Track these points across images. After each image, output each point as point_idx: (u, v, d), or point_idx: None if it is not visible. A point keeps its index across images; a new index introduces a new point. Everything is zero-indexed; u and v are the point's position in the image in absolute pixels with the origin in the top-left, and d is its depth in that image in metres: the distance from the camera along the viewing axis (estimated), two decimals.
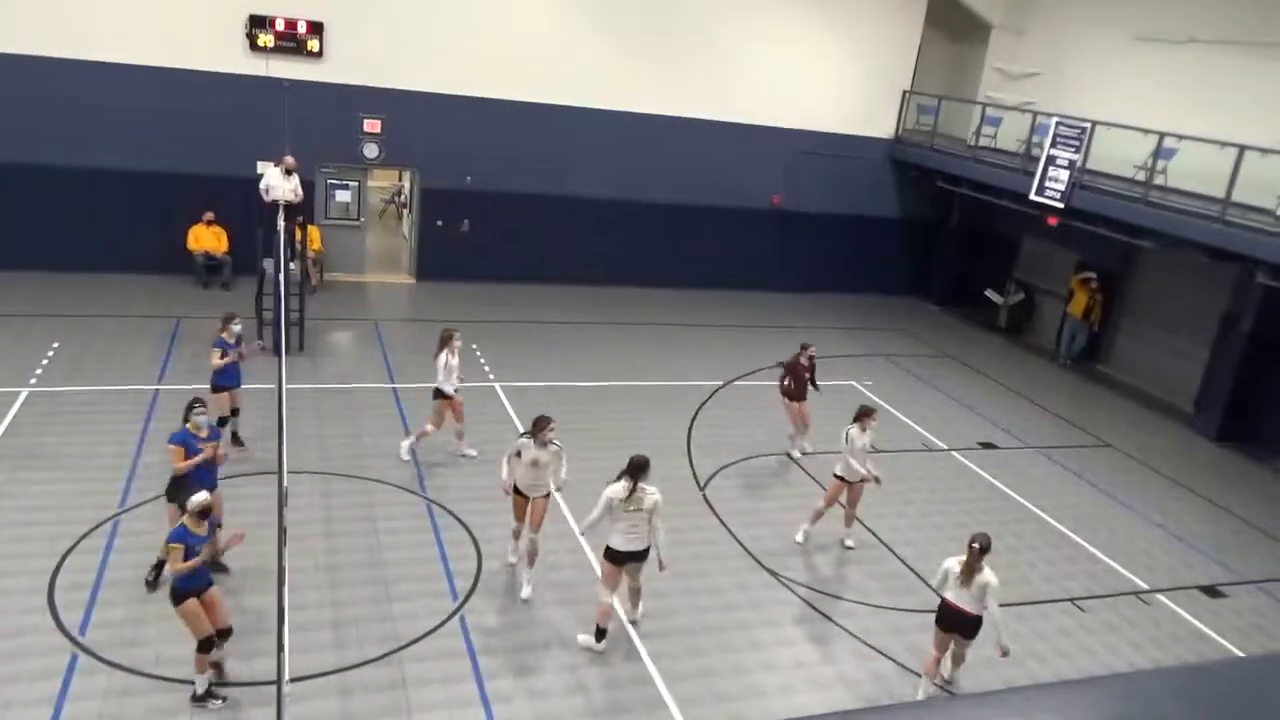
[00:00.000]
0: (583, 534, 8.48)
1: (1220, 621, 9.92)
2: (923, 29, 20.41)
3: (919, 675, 8.18)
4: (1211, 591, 10.54)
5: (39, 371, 12.20)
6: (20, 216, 15.65)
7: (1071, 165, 15.69)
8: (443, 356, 10.68)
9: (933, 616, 8.01)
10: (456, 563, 9.12)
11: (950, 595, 7.66)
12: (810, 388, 12.36)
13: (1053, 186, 16.03)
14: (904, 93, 20.48)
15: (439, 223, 18.10)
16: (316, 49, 16.31)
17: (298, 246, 14.41)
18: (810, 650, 8.60)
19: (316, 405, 12.20)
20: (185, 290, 16.01)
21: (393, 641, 7.89)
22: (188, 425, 8.07)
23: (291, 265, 13.62)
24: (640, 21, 18.12)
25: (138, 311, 14.80)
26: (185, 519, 6.88)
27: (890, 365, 16.88)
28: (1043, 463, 13.50)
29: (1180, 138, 14.66)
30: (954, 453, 13.42)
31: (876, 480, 10.16)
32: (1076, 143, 15.67)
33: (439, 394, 10.82)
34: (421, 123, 17.27)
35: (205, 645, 6.82)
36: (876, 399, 14.57)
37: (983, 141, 18.98)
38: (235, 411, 10.55)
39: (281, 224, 13.25)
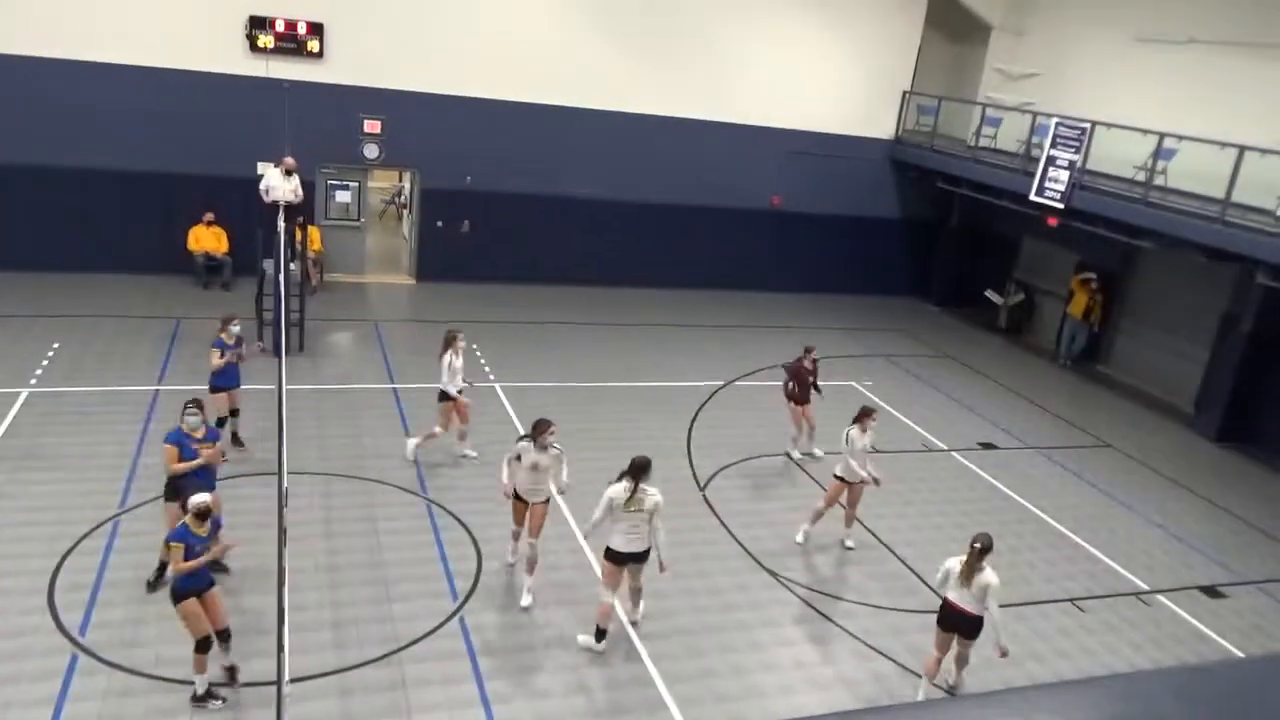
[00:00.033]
0: (586, 536, 8.46)
1: (1220, 622, 9.92)
2: (923, 30, 20.42)
3: (919, 676, 8.18)
4: (1211, 592, 10.54)
5: (39, 372, 12.21)
6: (20, 217, 15.66)
7: (1071, 166, 15.70)
8: (447, 357, 10.68)
9: (933, 617, 8.01)
10: (456, 563, 9.12)
11: (951, 595, 7.66)
12: (813, 391, 12.35)
13: (1053, 187, 16.04)
14: (904, 93, 20.49)
15: (439, 223, 18.11)
16: (317, 50, 16.31)
17: (298, 247, 14.41)
18: (810, 651, 8.60)
19: (316, 406, 12.20)
20: (185, 291, 16.02)
21: (393, 642, 7.89)
22: (182, 425, 8.08)
23: (292, 266, 13.62)
24: (640, 22, 18.12)
25: (138, 312, 14.80)
26: (187, 519, 6.89)
27: (890, 366, 16.88)
28: (1043, 463, 13.50)
29: (1180, 138, 14.67)
30: (954, 453, 13.42)
31: (876, 482, 10.17)
32: (1076, 143, 15.68)
33: (444, 396, 10.82)
34: (421, 123, 17.28)
35: (203, 645, 6.82)
36: (876, 399, 14.57)
37: (983, 142, 18.98)
38: (235, 412, 10.56)
39: (281, 225, 13.25)
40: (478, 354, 14.30)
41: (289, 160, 14.68)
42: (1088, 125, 15.57)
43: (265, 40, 15.97)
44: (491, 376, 13.81)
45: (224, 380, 10.28)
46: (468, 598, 8.64)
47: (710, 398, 14.24)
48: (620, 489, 7.86)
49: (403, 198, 23.20)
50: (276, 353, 10.60)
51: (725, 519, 10.67)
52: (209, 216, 16.35)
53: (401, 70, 16.86)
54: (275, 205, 14.06)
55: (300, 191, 14.78)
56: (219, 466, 8.33)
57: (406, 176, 21.31)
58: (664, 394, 14.10)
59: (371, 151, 17.34)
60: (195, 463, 7.91)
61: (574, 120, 18.14)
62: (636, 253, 19.47)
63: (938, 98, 20.21)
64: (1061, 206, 15.97)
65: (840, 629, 8.96)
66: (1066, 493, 12.63)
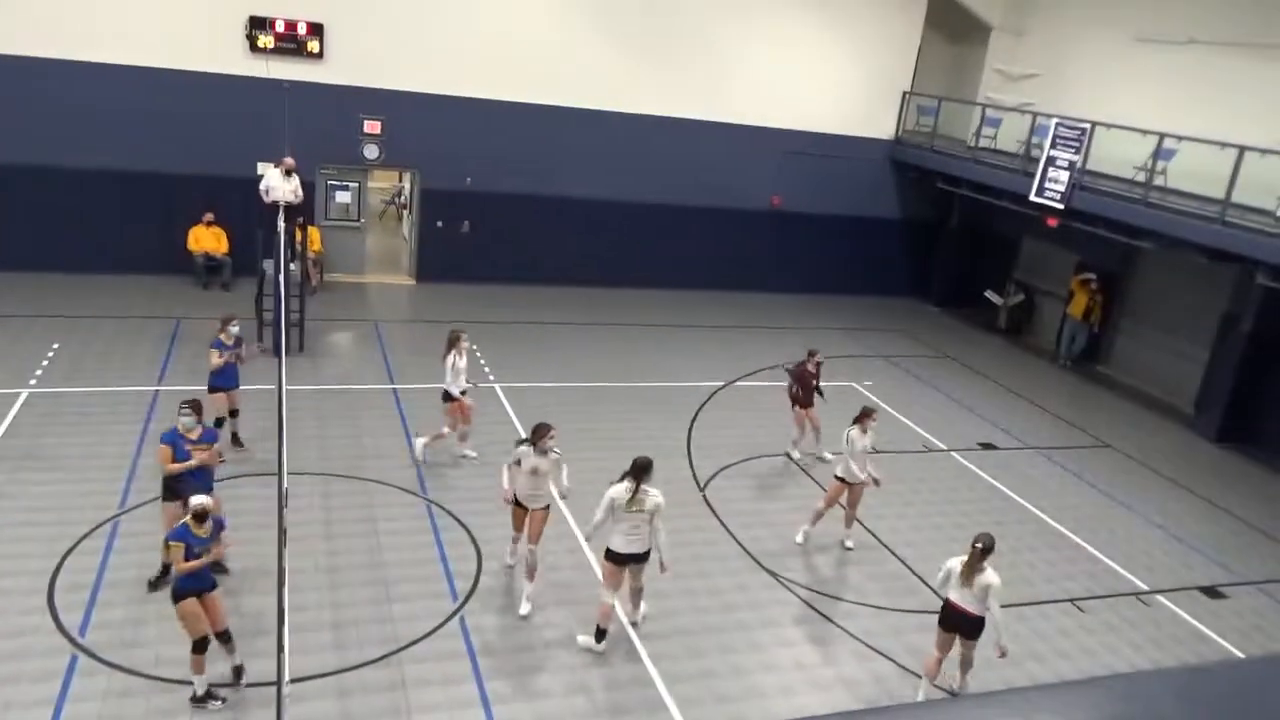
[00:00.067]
0: (588, 538, 8.41)
1: (1220, 622, 9.92)
2: (922, 30, 20.43)
3: (919, 676, 8.18)
4: (1211, 592, 10.54)
5: (39, 372, 12.20)
6: (20, 217, 15.66)
7: (1071, 166, 15.70)
8: (450, 357, 10.68)
9: (933, 617, 8.01)
10: (456, 564, 9.12)
11: (953, 595, 7.65)
12: (816, 394, 12.33)
13: (1052, 187, 16.04)
14: (904, 94, 20.49)
15: (439, 224, 18.11)
16: (317, 50, 16.32)
17: (298, 247, 14.42)
18: (810, 651, 8.60)
19: (316, 406, 12.20)
20: (185, 291, 16.02)
21: (392, 642, 7.89)
22: (177, 426, 8.09)
23: (292, 266, 13.62)
24: (640, 23, 18.13)
25: (138, 312, 14.80)
26: (187, 519, 6.89)
27: (890, 366, 16.88)
28: (1043, 463, 13.50)
29: (1180, 138, 14.67)
30: (954, 453, 13.42)
31: (876, 482, 10.18)
32: (1076, 144, 15.68)
33: (448, 396, 10.82)
34: (421, 124, 17.28)
35: (199, 646, 6.82)
36: (876, 400, 14.56)
37: (983, 142, 18.98)
38: (234, 413, 10.56)
39: (281, 225, 13.25)
40: (478, 354, 14.29)
41: (289, 160, 14.68)
42: (1087, 126, 15.58)
43: (265, 40, 15.98)
44: (491, 377, 13.81)
45: (222, 380, 10.28)
46: (468, 598, 8.64)
47: (710, 398, 14.24)
48: (621, 489, 7.86)
49: (402, 198, 23.21)
50: (276, 353, 10.60)
51: (725, 519, 10.67)
52: (209, 217, 16.35)
53: (401, 70, 16.86)
54: (275, 205, 14.06)
55: (300, 192, 14.78)
56: (216, 467, 8.31)
57: (406, 177, 21.31)
58: (664, 394, 14.10)
59: (371, 152, 17.34)
60: (189, 464, 7.90)
61: (574, 121, 18.14)
62: (636, 253, 19.47)
63: (938, 98, 20.21)
64: (1061, 207, 15.97)
65: (840, 630, 8.96)
66: (1066, 493, 12.63)
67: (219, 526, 7.07)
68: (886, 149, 20.65)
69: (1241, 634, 9.76)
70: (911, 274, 21.69)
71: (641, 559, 8.07)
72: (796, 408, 12.29)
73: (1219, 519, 12.50)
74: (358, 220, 18.12)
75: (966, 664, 7.93)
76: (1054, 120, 16.20)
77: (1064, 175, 15.81)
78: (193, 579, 6.81)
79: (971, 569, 7.52)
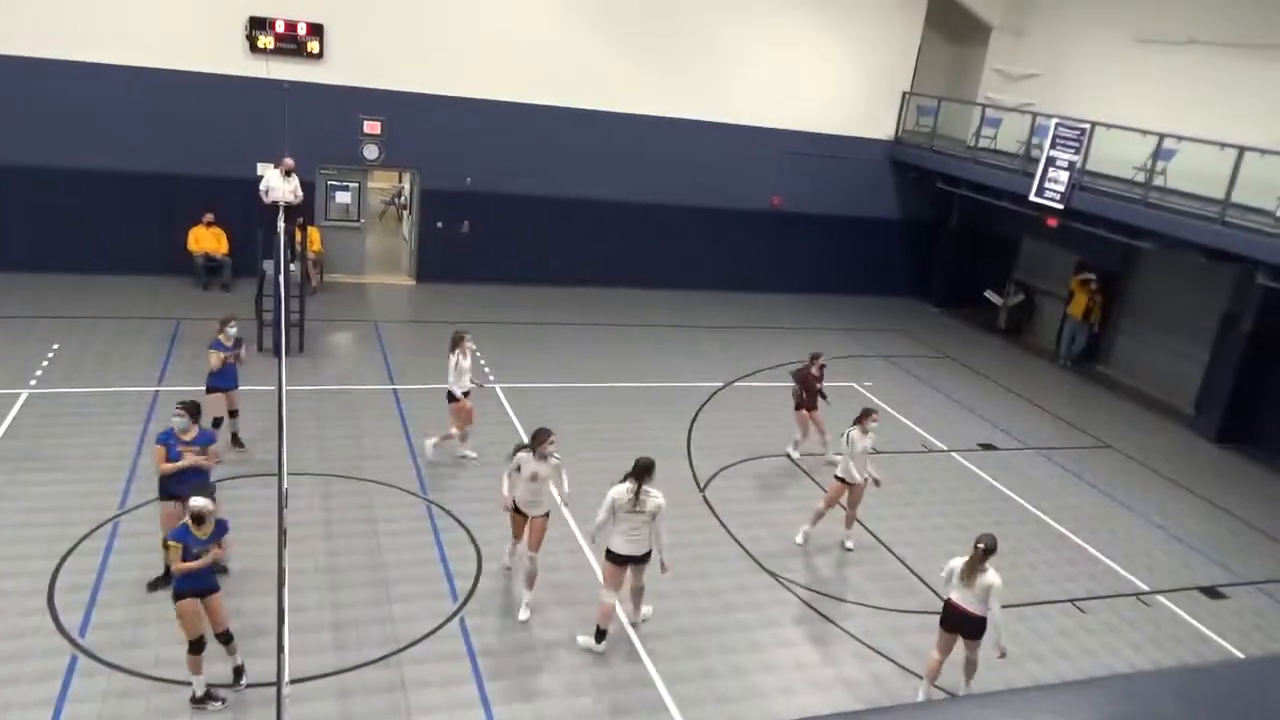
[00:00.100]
0: (593, 539, 8.33)
1: (1220, 623, 9.92)
2: (922, 30, 20.43)
3: (919, 677, 8.17)
4: (1212, 593, 10.53)
5: (39, 373, 12.20)
6: (21, 218, 15.66)
7: (1071, 166, 15.70)
8: (454, 357, 10.67)
9: (933, 618, 8.01)
10: (456, 564, 9.12)
11: (954, 595, 7.65)
12: (819, 397, 12.32)
13: (1052, 188, 16.04)
14: (904, 94, 20.49)
15: (439, 224, 18.11)
16: (316, 51, 16.32)
17: (298, 248, 14.42)
18: (810, 652, 8.60)
19: (316, 407, 12.20)
20: (185, 292, 16.02)
21: (392, 643, 7.89)
22: (172, 427, 8.11)
23: (291, 267, 13.62)
24: (640, 23, 18.13)
25: (138, 313, 14.80)
26: (188, 519, 6.89)
27: (890, 366, 16.88)
28: (1043, 464, 13.50)
29: (1180, 139, 14.67)
30: (954, 454, 13.42)
31: (876, 483, 10.18)
32: (1076, 144, 15.68)
33: (452, 397, 10.82)
34: (421, 124, 17.28)
35: (195, 647, 6.82)
36: (877, 400, 14.57)
37: (982, 143, 18.98)
38: (234, 413, 10.56)
39: (281, 225, 13.25)
40: (478, 355, 14.28)
41: (288, 161, 14.69)
42: (1087, 126, 15.58)
43: (265, 41, 15.98)
44: (492, 377, 13.81)
45: (221, 381, 10.28)
46: (468, 599, 8.64)
47: (710, 398, 14.24)
48: (623, 490, 7.85)
49: (402, 198, 23.21)
50: (276, 353, 10.60)
51: (725, 520, 10.66)
52: (209, 217, 16.35)
53: (401, 71, 16.86)
54: (275, 206, 14.06)
55: (300, 192, 14.78)
56: (211, 469, 8.23)
57: (406, 177, 21.31)
58: (664, 395, 14.10)
59: (371, 152, 17.34)
60: (180, 464, 7.90)
61: (574, 121, 18.15)
62: (637, 253, 19.47)
63: (937, 98, 20.22)
64: (1061, 207, 15.97)
65: (840, 630, 8.95)
66: (1066, 493, 12.63)
67: (222, 529, 7.05)
68: (886, 149, 20.65)
69: (1241, 634, 9.76)
70: (911, 274, 21.69)
71: (641, 560, 8.06)
72: (803, 412, 12.27)
73: (1219, 519, 12.50)
74: (358, 220, 18.13)
75: (971, 667, 7.90)
76: (1054, 120, 16.21)
77: (1064, 175, 15.81)
78: (192, 579, 6.81)
79: (973, 569, 7.52)
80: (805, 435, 12.40)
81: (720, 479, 11.70)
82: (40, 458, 10.12)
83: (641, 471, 7.86)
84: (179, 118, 15.91)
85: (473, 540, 9.53)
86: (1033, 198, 16.43)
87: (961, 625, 7.66)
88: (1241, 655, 9.28)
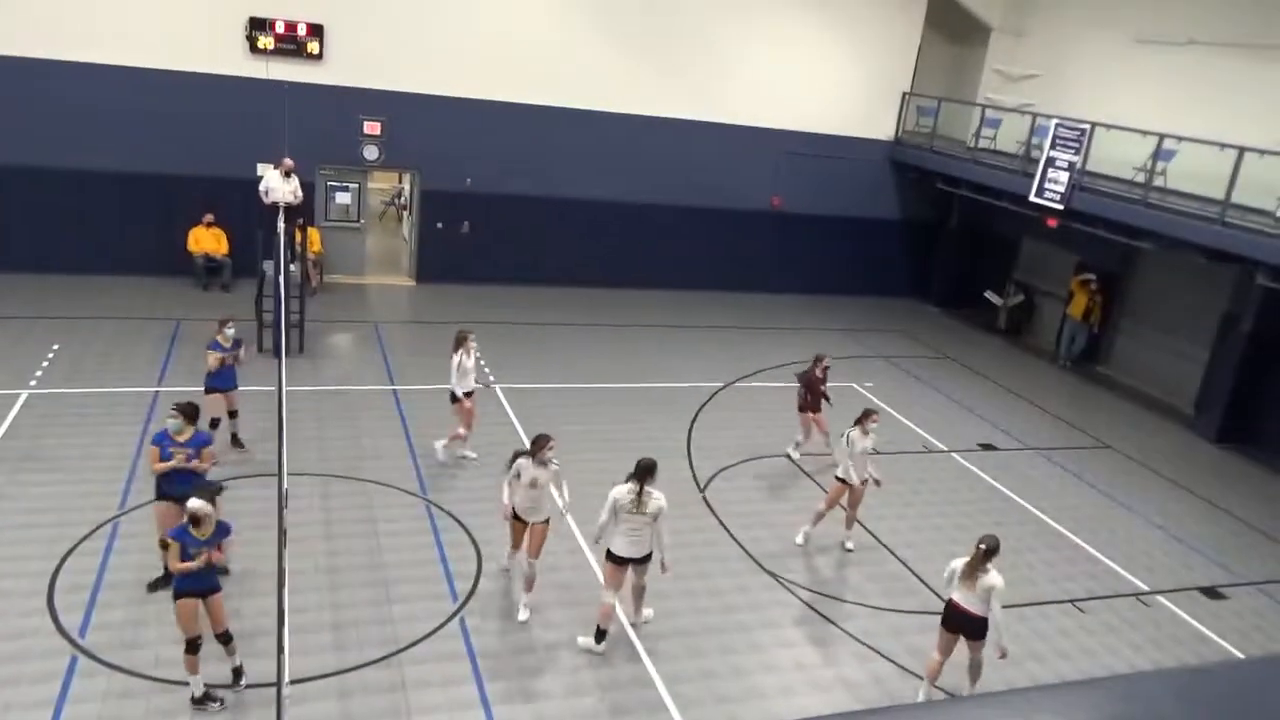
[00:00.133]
0: (596, 540, 8.28)
1: (1220, 623, 9.92)
2: (922, 31, 20.43)
3: (919, 677, 8.17)
4: (1211, 593, 10.53)
5: (39, 373, 12.20)
6: (21, 219, 15.67)
7: (1071, 167, 15.70)
8: (457, 357, 10.67)
9: (933, 618, 8.01)
10: (456, 564, 9.12)
11: (956, 596, 7.64)
12: (823, 399, 12.30)
13: (1052, 188, 16.04)
14: (904, 94, 20.49)
15: (439, 225, 18.11)
16: (316, 51, 16.33)
17: (298, 248, 14.42)
18: (810, 652, 8.60)
19: (316, 407, 12.20)
20: (185, 292, 16.02)
21: (392, 643, 7.89)
22: (166, 428, 8.12)
23: (291, 267, 13.62)
24: (640, 23, 18.13)
25: (137, 313, 14.80)
26: (185, 519, 6.89)
27: (890, 367, 16.88)
28: (1043, 464, 13.50)
29: (1180, 139, 14.67)
30: (954, 454, 13.42)
31: (877, 483, 10.18)
32: (1076, 144, 15.68)
33: (455, 397, 10.81)
34: (421, 125, 17.28)
35: (191, 646, 6.82)
36: (877, 401, 14.57)
37: (982, 143, 18.98)
38: (234, 414, 10.57)
39: (281, 226, 13.25)
40: (479, 356, 14.27)
41: (288, 161, 14.68)
42: (1087, 126, 15.58)
43: (265, 42, 15.99)
44: (492, 378, 13.81)
45: (220, 382, 10.28)
46: (468, 599, 8.64)
47: (710, 399, 14.24)
48: (625, 490, 7.85)
49: (402, 199, 23.21)
50: (276, 354, 10.59)
51: (725, 520, 10.66)
52: (209, 218, 16.36)
53: (401, 71, 16.87)
54: (275, 206, 14.06)
55: (300, 193, 14.78)
56: (207, 471, 8.14)
57: (406, 178, 21.31)
58: (664, 395, 14.10)
59: (371, 153, 17.34)
60: (170, 464, 7.90)
61: (574, 121, 18.15)
62: (637, 254, 19.47)
63: (937, 99, 20.22)
64: (1061, 207, 15.97)
65: (840, 630, 8.95)
66: (1066, 494, 12.63)
67: (223, 531, 7.04)
68: (886, 150, 20.65)
69: (1241, 634, 9.76)
70: (911, 274, 21.69)
71: (642, 561, 8.06)
72: (808, 414, 12.25)
73: (1219, 519, 12.50)
74: (357, 221, 18.13)
75: (975, 670, 7.87)
76: (1054, 121, 16.21)
77: (1064, 176, 15.81)
78: (191, 580, 6.80)
79: (974, 569, 7.51)
80: (807, 437, 12.39)
81: (720, 479, 11.70)
82: (40, 458, 10.12)
83: (643, 472, 7.85)
84: (179, 118, 15.91)
85: (473, 540, 9.53)
86: (1033, 198, 16.43)
87: (963, 626, 7.66)
88: (1241, 655, 9.28)
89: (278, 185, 14.50)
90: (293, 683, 6.73)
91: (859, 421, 10.00)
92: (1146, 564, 10.98)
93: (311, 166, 16.55)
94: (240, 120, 16.15)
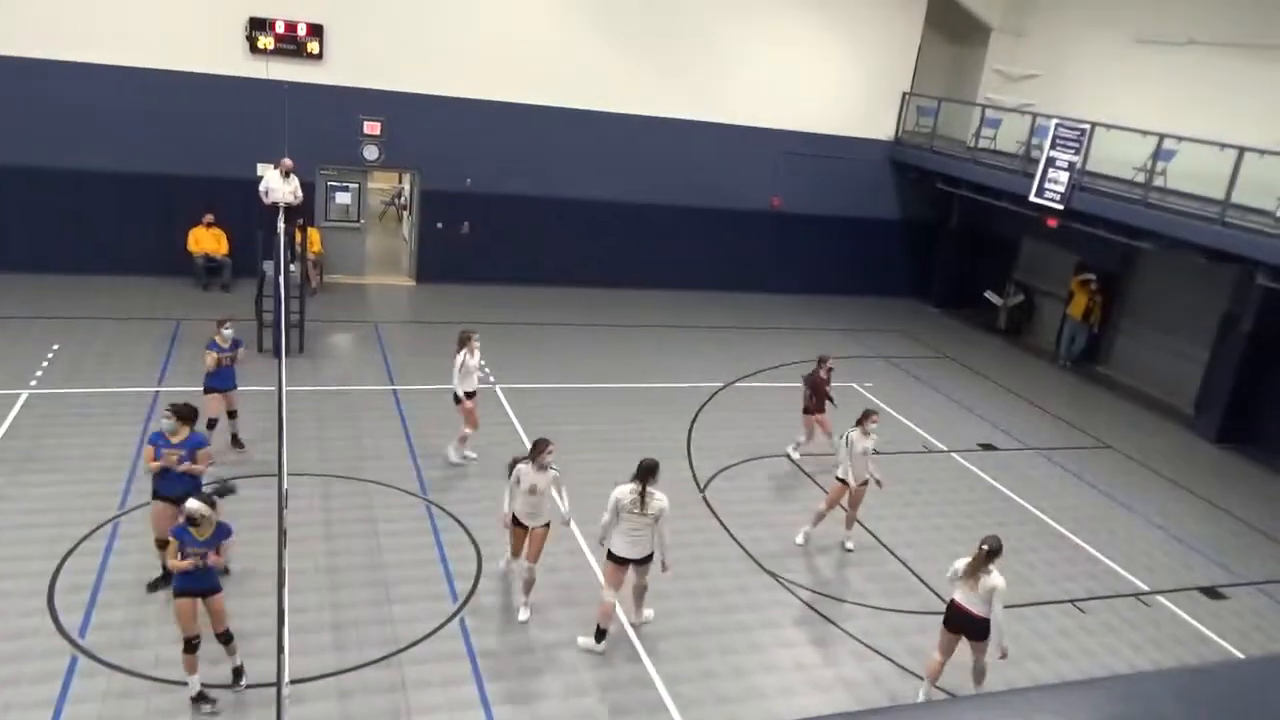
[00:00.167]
0: (602, 541, 8.22)
1: (1220, 623, 9.92)
2: (922, 31, 20.43)
3: (919, 677, 8.17)
4: (1212, 593, 10.53)
5: (39, 374, 12.20)
6: (21, 219, 15.67)
7: (1071, 167, 15.70)
8: (461, 356, 10.66)
9: (933, 618, 8.00)
10: (456, 564, 9.12)
11: (958, 596, 7.63)
12: (827, 401, 12.29)
13: (1052, 188, 16.04)
14: (904, 94, 20.49)
15: (439, 225, 18.11)
16: (316, 51, 16.33)
17: (298, 248, 14.42)
18: (810, 652, 8.60)
19: (316, 407, 12.20)
20: (185, 292, 16.02)
21: (392, 643, 7.89)
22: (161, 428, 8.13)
23: (291, 267, 13.62)
24: (640, 23, 18.13)
25: (138, 313, 14.80)
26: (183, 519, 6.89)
27: (890, 367, 16.88)
28: (1043, 464, 13.50)
29: (1180, 139, 14.67)
30: (954, 454, 13.42)
31: (878, 484, 10.18)
32: (1076, 144, 15.68)
33: (458, 398, 10.81)
34: (421, 125, 17.28)
35: (188, 645, 6.82)
36: (877, 401, 14.57)
37: (982, 143, 18.98)
38: (233, 414, 10.56)
39: (281, 226, 13.26)
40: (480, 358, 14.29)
41: (287, 162, 14.68)
42: (1087, 126, 15.58)
43: (265, 42, 15.99)
44: (491, 378, 13.80)
45: (218, 382, 10.28)
46: (468, 599, 8.64)
47: (710, 399, 14.24)
48: (627, 491, 7.84)
49: (402, 199, 23.22)
50: (276, 354, 10.59)
51: (725, 520, 10.66)
52: (209, 218, 16.36)
53: (401, 71, 16.87)
54: (275, 207, 14.06)
55: (300, 193, 14.78)
56: (201, 473, 8.05)
57: (406, 178, 21.31)
58: (664, 395, 14.10)
59: (371, 153, 17.34)
60: (158, 463, 7.88)
61: (574, 121, 18.15)
62: (637, 254, 19.47)
63: (937, 99, 20.22)
64: (1061, 207, 15.97)
65: (840, 631, 8.95)
66: (1066, 494, 12.63)
67: (222, 533, 7.00)
68: (886, 149, 20.65)
69: (1241, 634, 9.76)
70: (911, 274, 21.69)
71: (643, 562, 8.06)
72: (808, 414, 12.24)
73: (1219, 520, 12.50)
74: (357, 221, 18.13)
75: (979, 675, 7.84)
76: (1054, 121, 16.21)
77: (1064, 176, 15.81)
78: (190, 579, 6.80)
79: (975, 570, 7.51)
80: (810, 438, 12.38)
81: (720, 479, 11.70)
82: (40, 458, 10.12)
83: (646, 473, 7.84)
84: (179, 118, 15.91)
85: (473, 540, 9.53)
86: (1033, 198, 16.43)
87: (965, 626, 7.65)
88: (1241, 655, 9.29)
89: (277, 185, 14.50)
90: (293, 683, 6.74)
91: (859, 422, 10.00)
92: (1146, 564, 10.98)
93: (311, 166, 16.55)
94: (240, 120, 16.15)
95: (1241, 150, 13.38)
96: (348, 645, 7.81)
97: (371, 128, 17.15)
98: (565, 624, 8.42)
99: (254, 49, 16.00)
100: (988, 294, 20.41)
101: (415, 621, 8.19)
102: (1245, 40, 15.67)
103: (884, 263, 21.46)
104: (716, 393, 14.52)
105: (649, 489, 7.82)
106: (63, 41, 15.05)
